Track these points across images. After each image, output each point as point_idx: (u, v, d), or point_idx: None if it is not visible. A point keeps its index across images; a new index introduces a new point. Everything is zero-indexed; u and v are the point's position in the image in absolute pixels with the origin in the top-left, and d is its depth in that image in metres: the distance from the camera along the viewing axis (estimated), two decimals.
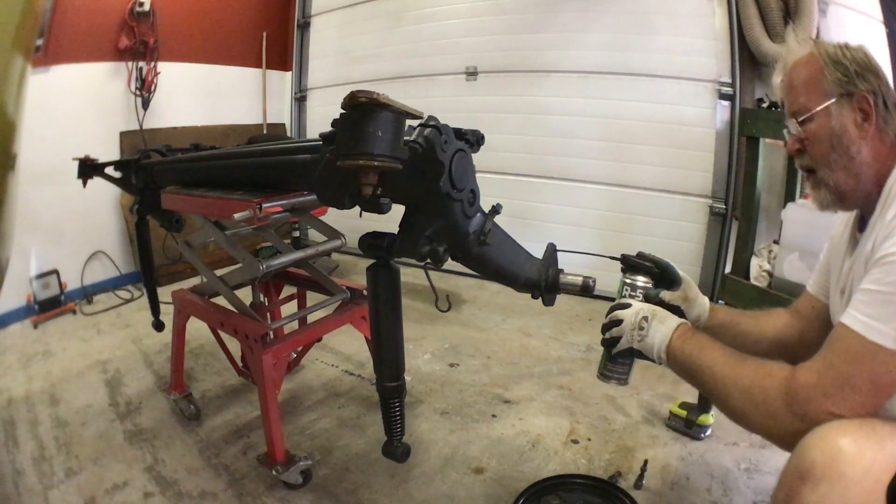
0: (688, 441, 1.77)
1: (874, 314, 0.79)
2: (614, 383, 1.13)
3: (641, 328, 1.03)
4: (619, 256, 1.20)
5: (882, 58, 2.52)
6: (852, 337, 0.81)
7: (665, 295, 1.14)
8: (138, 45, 3.23)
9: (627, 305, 1.08)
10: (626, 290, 1.15)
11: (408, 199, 1.01)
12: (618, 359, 1.10)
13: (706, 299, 1.23)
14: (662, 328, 1.02)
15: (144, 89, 3.31)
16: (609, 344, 1.09)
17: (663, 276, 1.17)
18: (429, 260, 1.00)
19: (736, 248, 2.53)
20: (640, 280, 1.15)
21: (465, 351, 2.50)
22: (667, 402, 1.96)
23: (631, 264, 1.17)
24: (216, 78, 3.88)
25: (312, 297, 1.98)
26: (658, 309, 1.06)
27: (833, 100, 0.93)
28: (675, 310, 1.14)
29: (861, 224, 1.01)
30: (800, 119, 0.97)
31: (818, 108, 0.94)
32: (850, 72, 0.93)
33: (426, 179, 0.93)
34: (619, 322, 1.06)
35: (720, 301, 2.62)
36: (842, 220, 1.13)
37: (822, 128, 0.95)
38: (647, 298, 1.13)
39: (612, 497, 1.44)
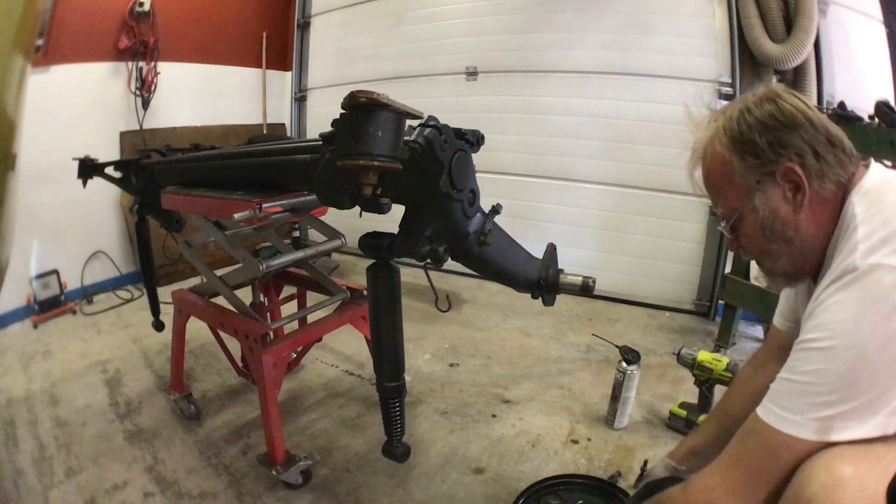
0: None
1: (789, 406, 0.75)
2: None
3: None
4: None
5: (882, 58, 2.52)
6: (766, 430, 0.77)
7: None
8: (138, 45, 3.23)
9: None
10: None
11: (408, 199, 1.01)
12: None
13: (662, 461, 1.29)
14: None
15: (144, 89, 3.31)
16: None
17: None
18: (429, 260, 1.00)
19: None
20: None
21: (465, 351, 2.50)
22: (667, 403, 1.96)
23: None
24: (216, 78, 3.88)
25: (312, 297, 1.98)
26: None
27: (754, 190, 0.83)
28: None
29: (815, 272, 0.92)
30: (729, 220, 0.89)
31: (741, 206, 0.85)
32: (761, 148, 0.81)
33: (426, 179, 0.93)
34: None
35: (720, 301, 2.62)
36: None
37: (751, 224, 0.86)
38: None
39: (612, 497, 1.44)
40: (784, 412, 0.75)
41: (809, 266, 0.88)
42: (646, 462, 1.56)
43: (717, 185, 0.89)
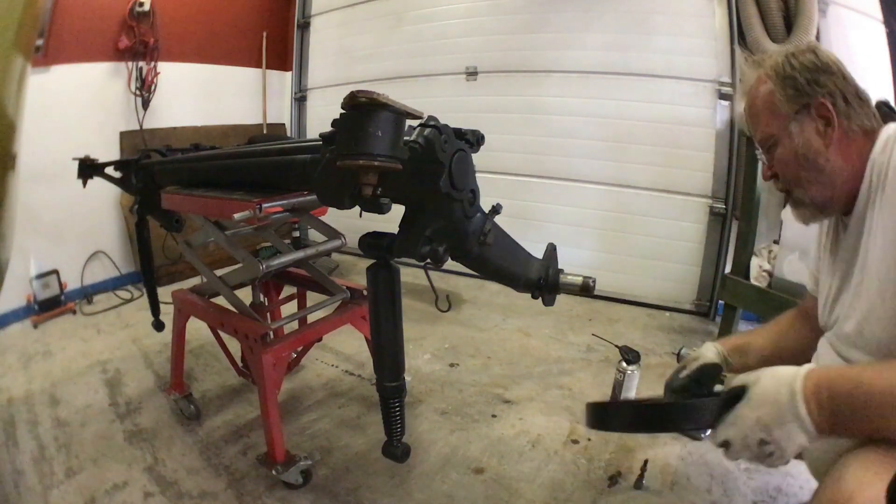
0: (688, 441, 1.77)
1: None
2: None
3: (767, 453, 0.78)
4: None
5: (882, 58, 2.52)
6: None
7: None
8: (138, 45, 3.23)
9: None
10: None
11: (408, 199, 1.01)
12: None
13: (713, 344, 1.19)
14: (795, 433, 0.75)
15: (144, 89, 3.31)
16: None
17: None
18: (429, 260, 1.00)
19: (736, 248, 2.53)
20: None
21: (465, 351, 2.50)
22: None
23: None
24: (216, 78, 3.88)
25: (312, 297, 1.98)
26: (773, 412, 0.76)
27: (791, 119, 0.93)
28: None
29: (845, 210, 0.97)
30: (766, 147, 0.98)
31: (779, 132, 0.95)
32: (801, 83, 0.92)
33: (426, 179, 0.93)
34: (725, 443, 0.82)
35: (720, 301, 2.62)
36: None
37: (786, 150, 0.95)
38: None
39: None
40: None
41: (839, 196, 0.94)
42: (646, 462, 1.54)
43: (758, 113, 0.99)
